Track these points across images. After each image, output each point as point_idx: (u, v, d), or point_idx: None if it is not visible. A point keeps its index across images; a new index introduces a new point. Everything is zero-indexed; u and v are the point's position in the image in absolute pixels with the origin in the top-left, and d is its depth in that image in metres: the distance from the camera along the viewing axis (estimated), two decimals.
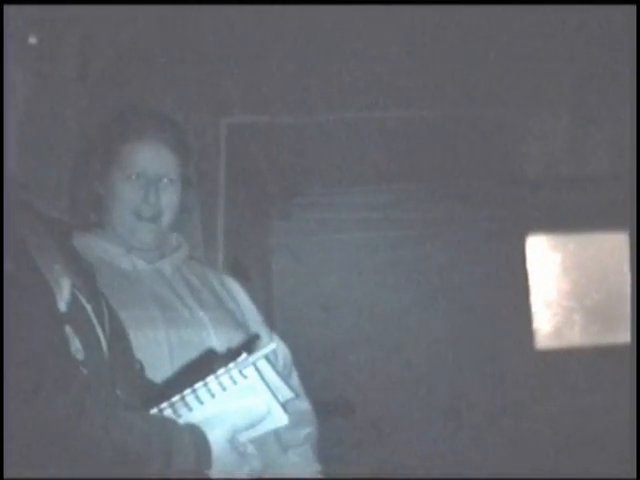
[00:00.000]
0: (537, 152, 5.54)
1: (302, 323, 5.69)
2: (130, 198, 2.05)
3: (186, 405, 1.25)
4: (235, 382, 1.28)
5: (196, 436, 1.22)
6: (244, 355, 1.31)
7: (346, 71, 4.12)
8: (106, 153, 2.09)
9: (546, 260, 6.39)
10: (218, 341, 2.06)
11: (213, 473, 1.25)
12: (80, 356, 1.23)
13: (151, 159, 2.07)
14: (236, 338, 2.08)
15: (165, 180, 2.09)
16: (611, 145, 5.18)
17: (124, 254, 2.05)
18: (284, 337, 2.44)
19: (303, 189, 5.95)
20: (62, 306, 1.25)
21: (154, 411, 1.25)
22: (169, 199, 2.09)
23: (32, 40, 1.33)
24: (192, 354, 2.00)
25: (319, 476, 2.28)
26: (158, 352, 1.90)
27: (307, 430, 2.26)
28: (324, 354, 5.68)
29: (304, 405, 2.26)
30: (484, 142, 5.24)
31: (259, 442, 1.32)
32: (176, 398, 1.27)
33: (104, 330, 1.34)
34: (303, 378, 2.41)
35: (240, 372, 1.29)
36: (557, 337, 6.36)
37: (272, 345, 1.36)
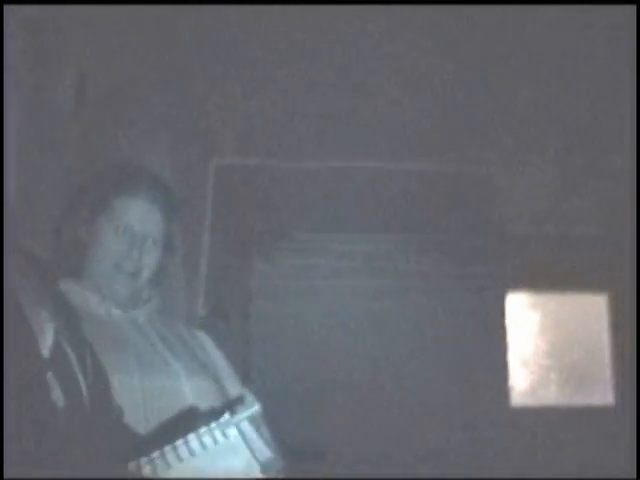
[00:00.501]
0: (521, 209, 5.57)
1: (280, 368, 5.65)
2: (114, 249, 2.07)
3: (165, 462, 1.24)
4: (216, 442, 1.27)
5: None
6: (227, 416, 1.30)
7: (337, 120, 4.14)
8: (96, 201, 2.10)
9: (525, 318, 6.40)
10: (190, 390, 2.04)
11: None
12: (60, 403, 1.21)
13: (141, 216, 2.10)
14: (208, 389, 2.08)
15: (150, 240, 2.11)
16: (596, 206, 5.22)
17: (100, 301, 2.05)
18: (261, 380, 2.43)
19: (287, 233, 5.95)
20: (45, 352, 1.23)
21: (132, 466, 1.23)
22: (150, 259, 2.12)
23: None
24: (165, 402, 1.99)
25: None
26: (132, 398, 1.89)
27: None
28: (300, 399, 5.64)
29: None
30: (469, 197, 5.28)
31: None
32: (156, 454, 1.25)
33: (86, 377, 1.31)
34: (278, 423, 2.39)
35: (222, 432, 1.28)
36: (533, 395, 6.35)
37: (255, 407, 1.34)
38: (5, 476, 1.04)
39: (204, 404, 2.03)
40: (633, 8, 2.75)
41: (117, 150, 3.18)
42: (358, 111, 4.14)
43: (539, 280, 6.24)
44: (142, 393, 1.94)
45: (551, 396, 6.36)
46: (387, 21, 3.37)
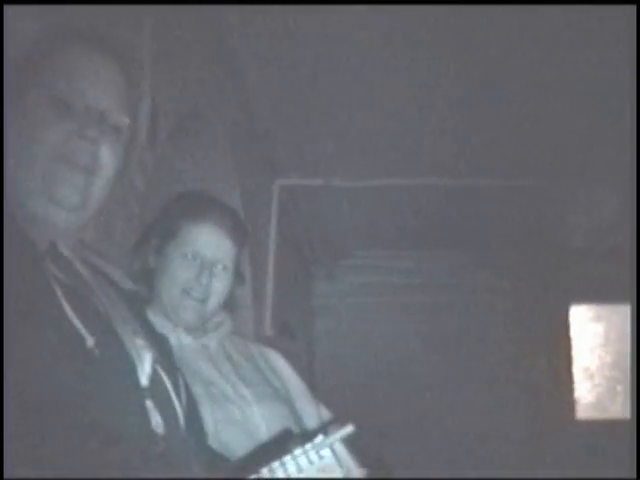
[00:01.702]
0: (584, 222, 5.54)
1: (343, 384, 5.68)
2: (183, 275, 2.05)
3: None
4: (312, 463, 1.29)
5: None
6: (321, 437, 1.32)
7: (399, 139, 4.17)
8: (165, 229, 2.10)
9: (589, 330, 6.35)
10: (261, 417, 2.04)
11: None
12: (160, 430, 1.25)
13: (210, 242, 2.09)
14: (279, 413, 2.08)
15: (220, 266, 2.09)
16: None
17: (172, 329, 2.05)
18: (324, 398, 2.43)
19: (348, 251, 5.99)
20: (144, 380, 1.28)
21: None
22: (219, 285, 2.09)
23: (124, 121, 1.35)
24: (236, 430, 2.00)
25: None
26: (206, 428, 1.89)
27: None
28: (362, 415, 5.65)
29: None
30: (531, 211, 5.26)
31: None
32: (253, 477, 1.28)
33: (181, 404, 1.36)
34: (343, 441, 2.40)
35: (317, 453, 1.30)
36: (599, 408, 6.29)
37: (349, 427, 1.36)
38: (5, 476, 1.08)
39: (277, 428, 2.04)
40: (633, 8, 2.74)
41: (187, 176, 3.26)
42: (417, 130, 4.17)
43: (603, 292, 6.19)
44: (214, 423, 1.95)
45: (617, 409, 6.29)
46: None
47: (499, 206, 5.08)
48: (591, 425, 6.19)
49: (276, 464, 1.29)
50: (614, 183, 4.52)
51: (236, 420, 2.00)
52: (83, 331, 1.19)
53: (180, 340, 2.08)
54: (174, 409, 1.35)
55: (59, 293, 1.21)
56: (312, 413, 2.21)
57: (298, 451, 1.30)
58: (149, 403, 1.27)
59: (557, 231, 5.79)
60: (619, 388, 6.32)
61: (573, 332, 6.28)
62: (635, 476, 2.71)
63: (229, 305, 2.20)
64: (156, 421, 1.26)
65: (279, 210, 4.09)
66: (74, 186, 1.29)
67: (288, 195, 4.30)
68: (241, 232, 2.19)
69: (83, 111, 1.29)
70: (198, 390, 1.98)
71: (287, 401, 2.15)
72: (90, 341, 1.20)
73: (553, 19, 3.24)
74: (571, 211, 5.34)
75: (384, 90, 3.84)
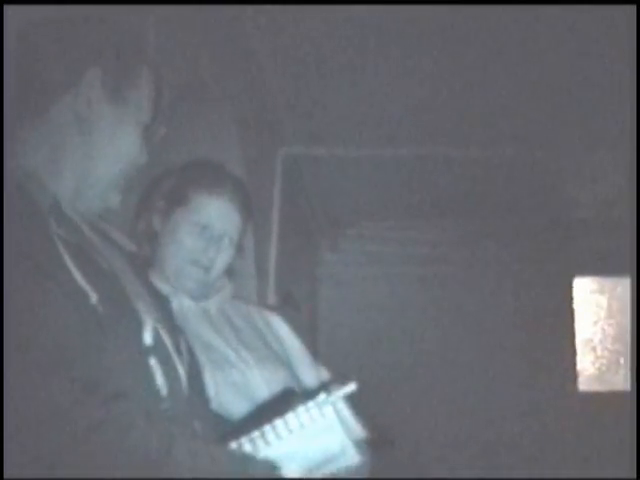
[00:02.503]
0: (588, 194, 5.53)
1: (346, 354, 5.70)
2: (190, 245, 2.06)
3: (265, 440, 1.28)
4: (314, 420, 1.30)
5: (275, 473, 1.25)
6: (324, 395, 1.34)
7: (404, 108, 4.16)
8: (174, 194, 2.10)
9: (592, 302, 6.36)
10: (262, 380, 2.06)
11: None
12: (163, 390, 1.26)
13: (221, 216, 2.10)
14: (280, 377, 2.10)
15: (226, 239, 2.11)
16: None
17: (174, 293, 2.05)
18: (327, 367, 2.44)
19: (351, 222, 5.99)
20: (147, 339, 1.29)
21: (234, 445, 1.28)
22: (224, 256, 2.12)
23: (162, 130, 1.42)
24: (237, 394, 2.02)
25: None
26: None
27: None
28: (367, 386, 5.68)
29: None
30: (535, 183, 5.25)
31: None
32: (256, 434, 1.29)
33: (183, 365, 1.37)
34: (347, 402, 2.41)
35: (319, 411, 1.31)
36: (601, 380, 6.31)
37: (352, 386, 1.37)
38: (5, 476, 1.09)
39: (277, 391, 2.06)
40: (633, 8, 2.73)
41: (189, 144, 3.25)
42: (421, 99, 4.15)
43: (606, 264, 6.19)
44: (215, 387, 1.96)
45: (619, 381, 6.30)
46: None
47: (504, 178, 5.08)
48: (593, 397, 6.21)
49: (278, 421, 1.30)
50: (619, 155, 4.51)
51: (237, 383, 2.02)
52: (87, 287, 1.20)
53: (181, 304, 2.09)
54: (176, 370, 1.36)
55: (62, 250, 1.22)
56: (312, 375, 2.24)
57: (301, 408, 1.31)
58: (153, 362, 1.28)
59: (561, 203, 5.78)
60: (622, 360, 6.33)
61: (576, 304, 6.28)
62: (635, 476, 2.73)
63: (230, 271, 2.21)
64: (159, 380, 1.28)
65: (283, 179, 4.08)
66: None
67: (292, 164, 4.30)
68: (248, 206, 2.20)
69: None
70: (199, 354, 2.00)
71: (288, 364, 2.17)
72: (94, 297, 1.21)
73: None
74: (575, 183, 5.33)
75: (391, 59, 3.82)
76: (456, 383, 5.98)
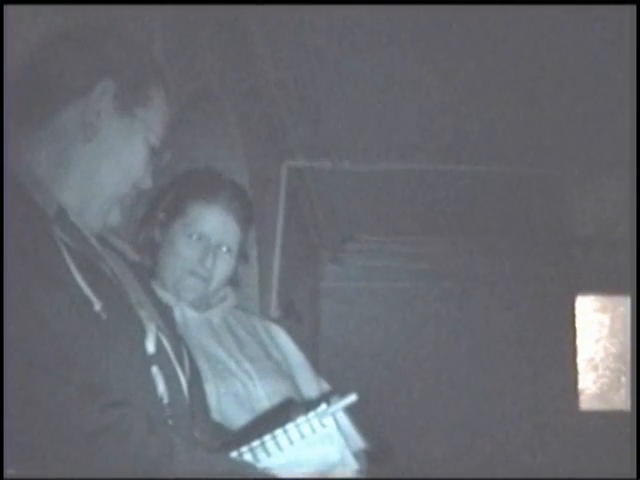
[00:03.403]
0: (591, 212, 5.53)
1: (347, 367, 5.70)
2: (187, 255, 2.05)
3: (265, 450, 1.27)
4: (314, 431, 1.30)
5: None
6: (324, 405, 1.33)
7: (408, 124, 4.16)
8: (173, 205, 2.10)
9: (595, 321, 6.35)
10: (264, 392, 2.06)
11: None
12: (165, 398, 1.26)
13: (216, 225, 2.08)
14: (282, 389, 2.10)
15: (224, 248, 2.09)
16: None
17: (176, 303, 2.05)
18: (328, 380, 2.44)
19: (356, 235, 5.99)
20: (150, 347, 1.29)
21: (234, 454, 1.27)
22: (222, 267, 2.09)
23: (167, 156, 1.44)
24: (239, 405, 2.01)
25: None
26: (209, 402, 1.91)
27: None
28: (367, 399, 5.67)
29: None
30: (539, 200, 5.25)
31: None
32: (256, 443, 1.28)
33: (184, 373, 1.37)
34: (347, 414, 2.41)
35: (320, 421, 1.31)
36: (602, 399, 6.29)
37: (352, 397, 1.37)
38: (5, 476, 1.09)
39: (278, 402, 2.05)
40: (633, 8, 2.73)
41: (195, 155, 3.26)
42: (429, 115, 4.16)
43: (609, 283, 6.18)
44: (217, 397, 1.96)
45: (621, 400, 6.29)
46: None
47: (507, 194, 5.08)
48: (595, 416, 6.19)
49: (279, 431, 1.29)
50: (622, 173, 4.51)
51: (239, 394, 2.01)
52: (91, 295, 1.20)
53: (184, 314, 2.08)
54: (177, 378, 1.36)
55: (67, 257, 1.22)
56: (313, 387, 2.23)
57: (301, 419, 1.31)
58: (155, 370, 1.28)
59: (564, 221, 5.79)
60: (623, 379, 6.32)
61: (578, 323, 6.28)
62: (635, 476, 2.71)
63: (232, 281, 2.21)
64: (161, 388, 1.27)
65: (287, 192, 4.09)
66: None
67: (296, 177, 4.30)
68: (248, 213, 2.18)
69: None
70: (201, 364, 1.99)
71: (289, 375, 2.17)
72: (97, 305, 1.21)
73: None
74: (579, 201, 5.33)
75: (395, 74, 3.83)
76: (457, 398, 5.97)
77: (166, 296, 2.00)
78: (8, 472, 1.10)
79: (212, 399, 1.91)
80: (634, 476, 2.71)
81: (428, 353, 6.04)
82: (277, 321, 3.50)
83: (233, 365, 2.07)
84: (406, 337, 6.07)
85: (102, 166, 1.36)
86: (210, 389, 1.93)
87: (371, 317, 6.05)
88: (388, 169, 4.54)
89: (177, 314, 2.01)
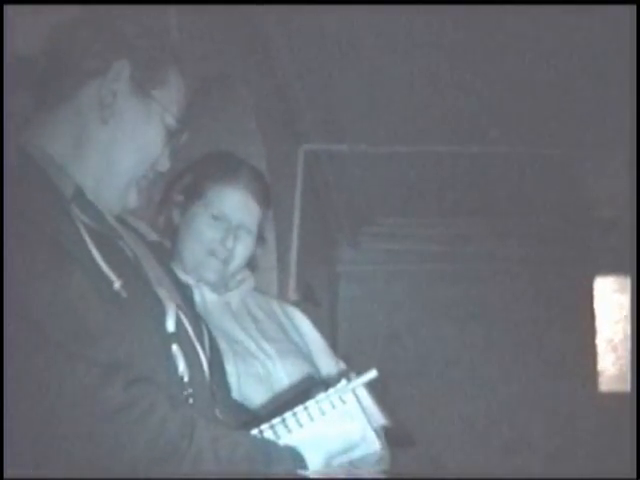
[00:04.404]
0: (608, 193, 5.50)
1: (365, 351, 5.71)
2: (208, 236, 2.07)
3: (286, 427, 1.28)
4: (334, 407, 1.30)
5: (296, 460, 1.25)
6: (344, 381, 1.34)
7: (424, 106, 4.16)
8: (192, 187, 2.12)
9: (614, 302, 6.32)
10: (284, 372, 2.07)
11: None
12: (186, 377, 1.27)
13: (238, 206, 2.10)
14: (301, 369, 2.12)
15: (244, 230, 2.11)
16: None
17: (195, 285, 2.06)
18: (346, 363, 2.45)
19: (372, 218, 5.99)
20: (170, 326, 1.30)
21: (255, 432, 1.28)
22: (242, 248, 2.11)
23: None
24: (259, 385, 2.03)
25: None
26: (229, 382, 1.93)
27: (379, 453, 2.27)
28: (384, 383, 5.68)
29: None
30: (555, 181, 5.23)
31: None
32: (277, 420, 1.29)
33: (205, 351, 1.38)
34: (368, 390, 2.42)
35: (340, 398, 1.31)
36: (622, 380, 6.27)
37: (373, 372, 1.37)
38: (5, 476, 1.10)
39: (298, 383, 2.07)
40: (633, 8, 2.72)
41: (212, 140, 3.27)
42: (445, 97, 4.15)
43: (628, 264, 6.15)
44: (237, 378, 1.98)
45: None
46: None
47: (525, 175, 5.06)
48: (614, 397, 6.17)
49: (299, 408, 1.30)
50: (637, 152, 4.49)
51: (259, 374, 2.03)
52: (110, 273, 1.21)
53: (203, 296, 2.11)
54: (198, 357, 1.37)
55: (85, 236, 1.23)
56: (332, 368, 2.24)
57: (321, 396, 1.31)
58: (175, 348, 1.29)
59: (582, 201, 5.76)
60: None
61: (597, 304, 6.26)
62: (635, 476, 2.71)
63: (251, 264, 2.23)
64: (182, 366, 1.28)
65: (304, 176, 4.09)
66: None
67: (313, 161, 4.31)
68: (267, 196, 2.20)
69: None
70: (221, 345, 2.01)
71: (308, 357, 2.19)
72: (117, 283, 1.22)
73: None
74: (597, 181, 5.30)
75: (411, 56, 3.82)
76: (474, 380, 5.96)
77: (186, 278, 2.02)
78: (8, 472, 1.11)
79: (232, 379, 1.94)
80: (634, 476, 2.70)
81: (445, 336, 6.04)
82: (295, 304, 3.51)
83: (252, 346, 2.10)
84: (424, 320, 6.06)
85: (119, 147, 1.37)
86: (230, 369, 1.95)
87: (389, 300, 6.05)
88: (404, 151, 4.53)
89: (197, 296, 2.04)
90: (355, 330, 5.95)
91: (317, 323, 2.49)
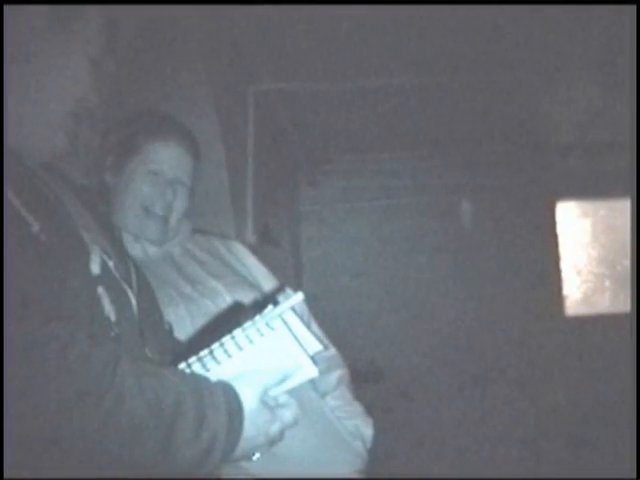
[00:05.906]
0: (567, 118, 5.50)
1: (330, 290, 5.72)
2: (146, 192, 2.13)
3: (214, 359, 1.25)
4: (262, 334, 1.26)
5: (229, 395, 1.22)
6: (270, 307, 1.31)
7: (373, 39, 4.10)
8: (125, 145, 2.15)
9: (576, 226, 6.37)
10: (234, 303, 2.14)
11: (244, 432, 1.26)
12: (112, 317, 1.26)
13: (173, 161, 2.16)
14: (251, 299, 2.16)
15: (180, 183, 2.18)
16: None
17: (135, 241, 2.12)
18: (311, 303, 2.46)
19: (330, 156, 5.95)
20: (95, 269, 1.28)
21: (182, 366, 1.26)
22: (180, 202, 2.18)
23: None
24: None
25: (363, 415, 2.31)
26: (181, 325, 1.95)
27: (338, 373, 2.30)
28: (352, 321, 5.71)
29: (330, 351, 2.31)
30: (513, 108, 5.21)
31: (296, 392, 1.32)
32: (204, 352, 1.26)
33: (133, 290, 1.37)
34: (332, 344, 2.44)
35: (267, 324, 1.28)
36: (587, 304, 6.34)
37: (299, 295, 1.34)
38: (5, 476, 1.09)
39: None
40: (633, 8, 2.71)
41: (157, 84, 3.21)
42: (394, 29, 4.09)
43: (589, 188, 6.18)
44: (190, 319, 2.01)
45: (605, 304, 6.35)
46: None
47: (483, 104, 5.03)
48: (580, 321, 6.25)
49: (226, 338, 1.28)
50: (596, 76, 4.48)
51: (211, 312, 2.07)
52: (29, 217, 1.20)
53: (145, 250, 2.16)
54: (128, 298, 1.36)
55: (4, 182, 1.21)
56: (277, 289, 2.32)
57: (248, 323, 1.29)
58: (100, 289, 1.28)
59: (541, 127, 5.75)
60: (607, 283, 6.36)
61: (560, 229, 6.30)
62: (635, 476, 2.75)
63: (186, 215, 2.29)
64: (107, 307, 1.28)
65: (256, 116, 4.04)
66: None
67: (264, 100, 4.25)
68: (197, 149, 2.26)
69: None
70: (171, 292, 2.04)
71: (257, 287, 2.25)
72: (36, 226, 1.20)
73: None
74: (553, 106, 5.29)
75: None
76: (440, 312, 6.01)
77: (125, 236, 2.06)
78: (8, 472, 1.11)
79: (186, 322, 1.97)
80: (634, 476, 2.75)
81: (412, 269, 6.06)
82: (255, 248, 3.51)
83: (199, 287, 2.14)
84: (389, 255, 6.08)
85: (43, 85, 1.34)
86: (182, 313, 1.98)
87: (353, 238, 6.05)
88: (360, 86, 4.49)
89: (138, 251, 2.09)
90: (319, 269, 5.96)
91: (280, 264, 2.50)
